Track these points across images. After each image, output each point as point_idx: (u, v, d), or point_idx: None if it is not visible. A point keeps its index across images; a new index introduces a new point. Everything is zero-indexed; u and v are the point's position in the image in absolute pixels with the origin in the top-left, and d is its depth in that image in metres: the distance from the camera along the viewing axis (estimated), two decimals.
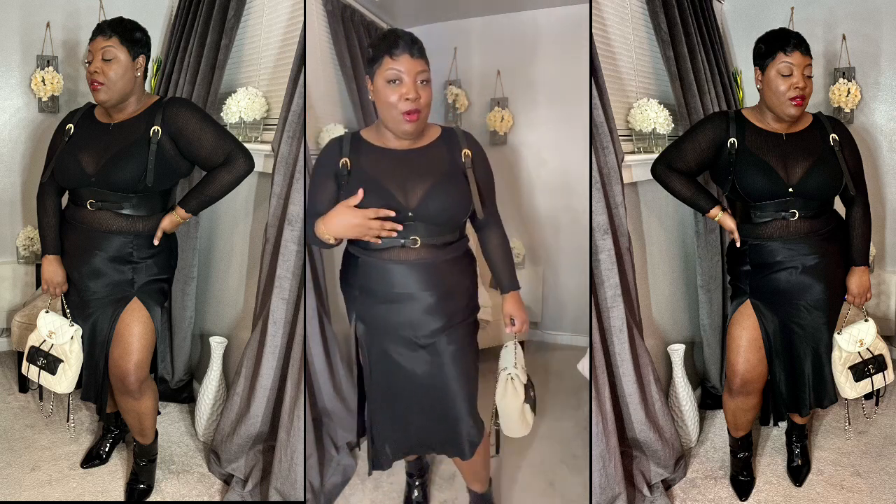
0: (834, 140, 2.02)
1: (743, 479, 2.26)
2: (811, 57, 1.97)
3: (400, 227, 1.70)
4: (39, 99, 2.92)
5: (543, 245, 3.68)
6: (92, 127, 2.01)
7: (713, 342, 2.64)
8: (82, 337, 2.02)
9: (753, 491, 2.25)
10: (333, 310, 2.54)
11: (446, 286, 1.80)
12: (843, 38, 2.87)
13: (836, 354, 2.07)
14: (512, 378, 1.96)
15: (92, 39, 1.96)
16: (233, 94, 2.51)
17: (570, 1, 3.33)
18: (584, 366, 2.39)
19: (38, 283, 2.91)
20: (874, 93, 2.90)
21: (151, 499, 2.19)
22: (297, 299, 2.16)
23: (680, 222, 2.67)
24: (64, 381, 2.03)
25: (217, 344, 2.49)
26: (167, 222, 2.01)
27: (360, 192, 1.68)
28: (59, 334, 2.01)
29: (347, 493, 2.27)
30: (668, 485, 2.27)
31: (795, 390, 2.11)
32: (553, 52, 3.51)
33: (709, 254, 2.55)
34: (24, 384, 2.73)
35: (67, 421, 2.27)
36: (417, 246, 1.75)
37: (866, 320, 2.10)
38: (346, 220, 1.68)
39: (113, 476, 2.27)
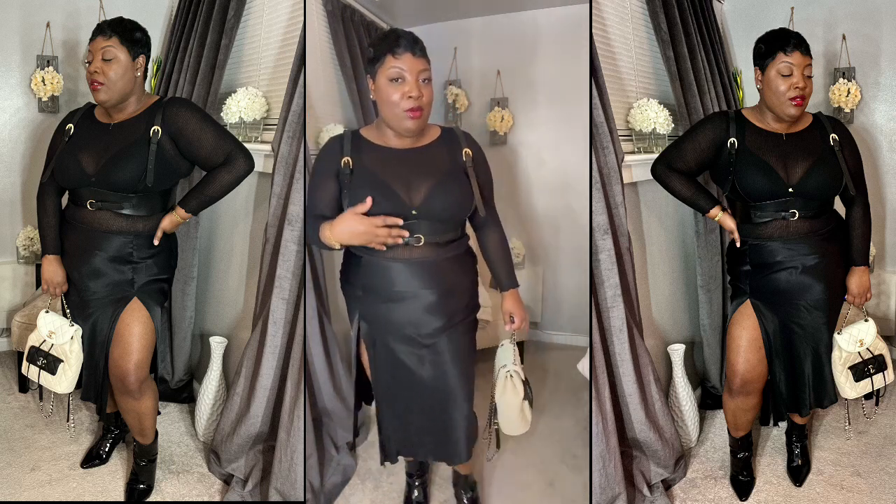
0: (834, 140, 2.02)
1: (743, 479, 2.26)
2: (811, 57, 1.97)
3: (406, 234, 1.71)
4: (39, 99, 2.92)
5: (543, 245, 3.68)
6: (92, 127, 2.01)
7: (713, 342, 2.64)
8: (82, 337, 2.02)
9: (753, 491, 2.25)
10: (333, 310, 2.54)
11: (448, 284, 1.82)
12: (843, 38, 2.87)
13: (836, 354, 2.07)
14: (511, 375, 1.96)
15: (92, 39, 1.96)
16: (233, 94, 2.51)
17: (570, 1, 3.33)
18: (584, 366, 2.39)
19: (38, 283, 2.91)
20: (874, 93, 2.90)
21: (151, 499, 2.19)
22: (297, 299, 2.16)
23: (680, 222, 2.67)
24: (64, 381, 2.03)
25: (217, 344, 2.49)
26: (167, 222, 2.01)
27: (369, 201, 1.68)
28: (59, 334, 2.01)
29: (347, 493, 2.27)
30: (668, 485, 2.27)
31: (795, 390, 2.11)
32: (553, 52, 3.51)
33: (709, 254, 2.55)
34: (24, 384, 2.73)
35: (67, 421, 2.27)
36: (421, 244, 1.76)
37: (866, 320, 2.10)
38: (352, 228, 1.68)
39: (113, 476, 2.27)
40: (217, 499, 2.22)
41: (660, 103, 2.59)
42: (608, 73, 2.39)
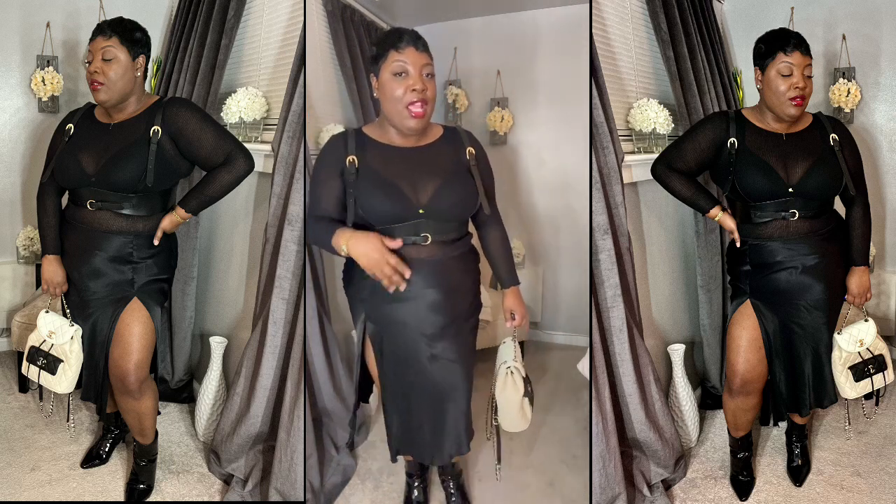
0: (834, 140, 2.02)
1: (743, 479, 2.26)
2: (811, 57, 1.97)
3: (404, 286, 1.72)
4: (39, 99, 2.92)
5: (543, 245, 3.68)
6: (92, 127, 2.01)
7: (713, 342, 2.64)
8: (82, 337, 2.02)
9: (753, 491, 2.25)
10: (333, 310, 2.55)
11: (453, 282, 1.83)
12: (843, 38, 2.87)
13: (836, 354, 2.07)
14: (512, 371, 1.97)
15: (92, 39, 1.96)
16: (233, 94, 2.51)
17: (570, 1, 3.33)
18: (584, 366, 2.39)
19: (38, 283, 2.91)
20: (874, 93, 2.90)
21: (151, 499, 2.19)
22: (297, 299, 2.16)
23: (680, 222, 2.67)
24: (64, 381, 2.03)
25: (217, 344, 2.49)
26: (167, 222, 2.01)
27: (400, 242, 1.70)
28: (59, 334, 2.01)
29: (347, 493, 2.27)
30: (668, 485, 2.27)
31: (795, 390, 2.11)
32: (553, 52, 3.51)
33: (709, 254, 2.55)
34: (24, 384, 2.73)
35: (67, 421, 2.27)
36: (428, 243, 1.77)
37: (866, 320, 2.10)
38: (368, 251, 1.67)
39: (113, 476, 2.27)
40: (217, 499, 2.22)
41: (660, 103, 2.59)
42: (608, 73, 2.39)
